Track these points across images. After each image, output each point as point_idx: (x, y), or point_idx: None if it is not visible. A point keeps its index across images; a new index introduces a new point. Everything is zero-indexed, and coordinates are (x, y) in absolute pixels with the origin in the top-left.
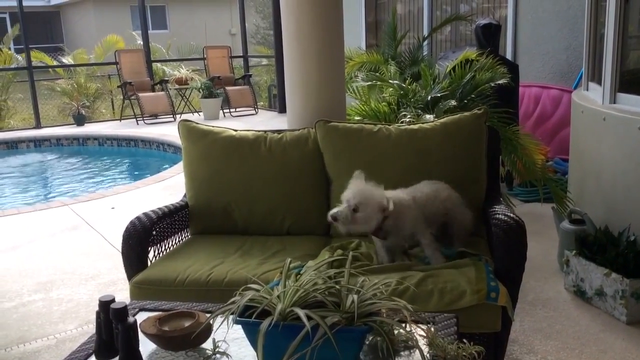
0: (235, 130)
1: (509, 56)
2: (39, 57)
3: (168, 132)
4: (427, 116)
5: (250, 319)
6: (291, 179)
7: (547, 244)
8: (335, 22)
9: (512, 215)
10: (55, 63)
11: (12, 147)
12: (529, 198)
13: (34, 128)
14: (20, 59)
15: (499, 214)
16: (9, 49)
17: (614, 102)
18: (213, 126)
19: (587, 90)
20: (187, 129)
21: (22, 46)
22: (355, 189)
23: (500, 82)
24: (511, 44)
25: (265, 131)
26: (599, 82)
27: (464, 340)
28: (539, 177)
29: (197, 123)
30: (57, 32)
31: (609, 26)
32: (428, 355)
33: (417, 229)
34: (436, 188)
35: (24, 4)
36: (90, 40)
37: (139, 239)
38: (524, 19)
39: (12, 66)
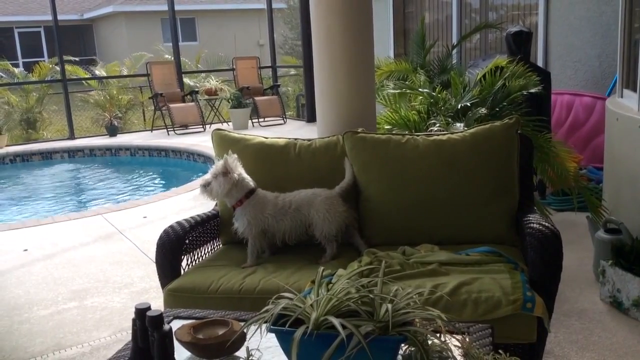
0: (266, 138)
1: (540, 63)
2: (73, 71)
3: (198, 142)
4: (458, 124)
5: (283, 327)
6: (320, 184)
7: (582, 254)
8: (365, 31)
9: (547, 224)
10: (88, 75)
11: (47, 157)
12: (562, 207)
13: (67, 139)
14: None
15: (533, 223)
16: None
17: None
18: (244, 134)
19: (622, 97)
20: (220, 137)
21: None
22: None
23: (532, 90)
24: (542, 51)
25: (295, 138)
26: (634, 89)
27: (500, 351)
28: (572, 185)
29: (230, 131)
30: (89, 44)
31: None
32: None
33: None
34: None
35: (58, 18)
36: (122, 53)
37: (173, 248)
38: (555, 25)
39: (47, 78)
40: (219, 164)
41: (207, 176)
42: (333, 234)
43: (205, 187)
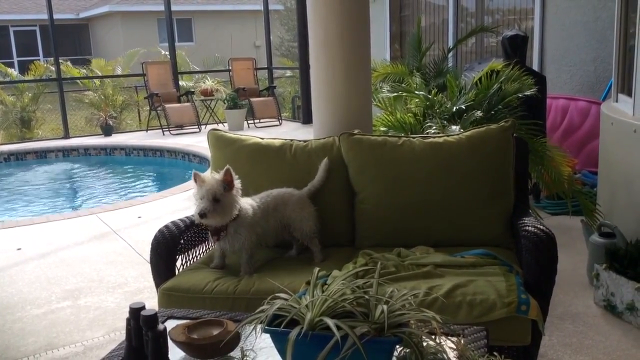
0: (262, 138)
1: (535, 67)
2: (68, 71)
3: (193, 142)
4: (453, 127)
5: (278, 328)
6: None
7: (576, 258)
8: (362, 33)
9: (542, 227)
10: (83, 75)
11: (42, 156)
12: (557, 211)
13: (62, 138)
14: (53, 69)
15: (528, 226)
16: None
17: None
18: (240, 135)
19: (617, 101)
20: (216, 137)
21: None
22: (210, 182)
23: (527, 93)
24: (538, 55)
25: (291, 139)
26: (629, 94)
27: (494, 354)
28: (567, 189)
29: (226, 132)
30: (85, 44)
31: (639, 37)
32: None
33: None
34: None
35: (54, 16)
36: (118, 52)
37: (168, 248)
38: (551, 30)
39: (43, 77)
40: (213, 181)
41: (204, 204)
42: (313, 231)
43: (205, 214)
